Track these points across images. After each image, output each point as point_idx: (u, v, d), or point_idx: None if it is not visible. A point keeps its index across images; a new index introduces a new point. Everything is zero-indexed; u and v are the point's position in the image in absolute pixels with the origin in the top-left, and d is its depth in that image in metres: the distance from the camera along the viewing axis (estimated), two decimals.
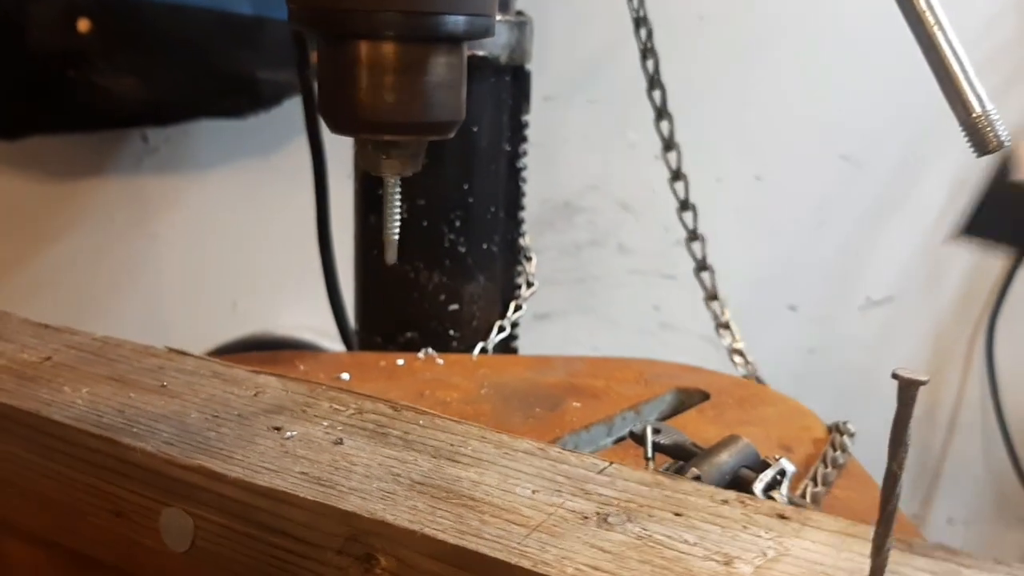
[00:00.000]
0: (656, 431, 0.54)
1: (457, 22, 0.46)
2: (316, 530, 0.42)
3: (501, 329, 0.89)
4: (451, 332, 0.87)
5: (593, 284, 1.53)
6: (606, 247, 1.51)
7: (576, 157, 1.45)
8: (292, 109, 1.25)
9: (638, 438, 0.54)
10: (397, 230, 0.52)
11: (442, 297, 0.86)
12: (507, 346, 0.94)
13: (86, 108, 1.23)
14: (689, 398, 0.74)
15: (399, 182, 0.52)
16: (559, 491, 0.43)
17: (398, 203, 0.52)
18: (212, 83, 1.28)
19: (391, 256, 0.53)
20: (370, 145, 0.50)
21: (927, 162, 1.54)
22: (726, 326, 0.90)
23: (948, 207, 1.55)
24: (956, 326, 1.63)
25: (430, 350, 0.79)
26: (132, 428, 0.49)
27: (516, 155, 0.88)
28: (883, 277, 1.59)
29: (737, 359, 0.89)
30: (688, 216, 0.89)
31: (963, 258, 1.60)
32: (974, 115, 0.46)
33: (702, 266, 0.90)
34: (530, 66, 0.89)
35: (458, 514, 0.41)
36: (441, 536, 0.39)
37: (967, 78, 0.46)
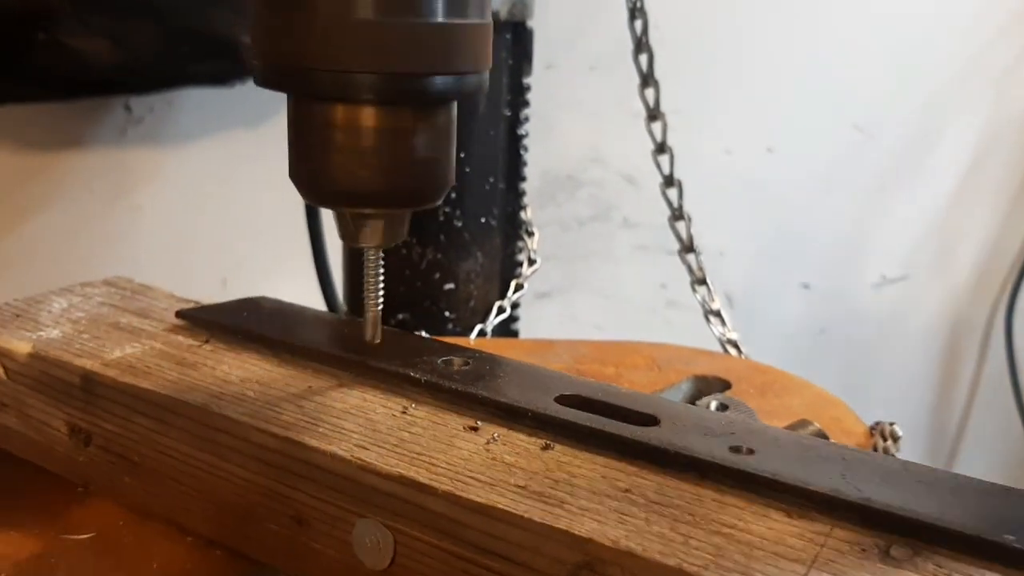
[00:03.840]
0: (723, 407, 0.47)
1: (445, 83, 0.42)
2: (542, 555, 0.36)
3: (501, 310, 0.82)
4: (446, 313, 0.81)
5: (596, 261, 1.48)
6: (610, 222, 1.47)
7: (578, 128, 1.40)
8: None
9: None
10: (380, 305, 0.48)
11: (436, 275, 0.80)
12: (507, 328, 0.88)
13: (57, 74, 1.17)
14: (708, 386, 0.68)
15: (381, 254, 0.47)
16: (816, 510, 0.37)
17: (381, 276, 0.48)
18: (192, 47, 1.22)
19: (373, 334, 0.48)
20: (348, 216, 0.45)
21: (943, 132, 1.49)
22: (716, 314, 0.83)
23: (966, 178, 1.52)
24: (974, 305, 1.60)
25: (423, 333, 0.72)
26: (317, 427, 0.43)
27: (517, 121, 0.82)
28: (898, 253, 1.55)
29: (731, 351, 0.82)
30: (673, 193, 0.82)
31: (981, 233, 1.57)
32: None
33: (688, 247, 0.83)
34: (532, 23, 0.82)
35: (715, 545, 0.35)
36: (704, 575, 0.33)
37: None
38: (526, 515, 0.36)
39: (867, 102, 1.44)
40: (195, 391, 0.46)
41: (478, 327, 0.81)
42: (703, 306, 0.81)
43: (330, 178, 0.43)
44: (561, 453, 0.41)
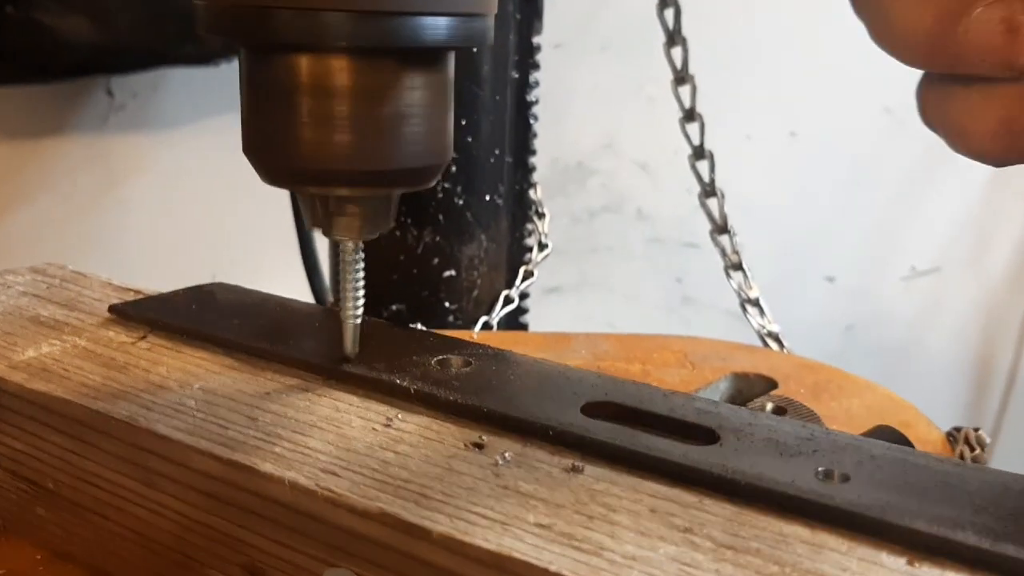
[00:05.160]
0: (780, 410, 0.38)
1: (438, 27, 0.33)
2: None
3: (508, 300, 0.73)
4: (446, 304, 0.72)
5: (607, 254, 1.42)
6: (622, 213, 1.40)
7: (589, 113, 1.33)
8: None
9: None
10: (360, 312, 0.39)
11: (435, 261, 0.71)
12: (515, 321, 0.78)
13: (30, 54, 1.10)
14: (750, 386, 0.59)
15: (361, 248, 0.38)
16: (944, 554, 0.27)
17: (361, 276, 0.38)
18: (175, 23, 1.15)
19: (351, 346, 0.39)
20: (318, 201, 0.36)
21: None
22: (755, 303, 0.74)
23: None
24: (1010, 298, 1.53)
25: (420, 326, 0.63)
26: (272, 446, 0.33)
27: (526, 85, 0.72)
28: (929, 244, 1.49)
29: (772, 345, 0.73)
30: (703, 166, 0.72)
31: (1018, 223, 1.50)
32: None
33: (721, 228, 0.73)
34: None
35: None
36: None
37: None
38: (553, 568, 0.26)
39: (899, 83, 1.36)
40: (121, 400, 0.36)
41: (482, 320, 0.72)
42: (739, 294, 0.72)
43: (292, 151, 0.34)
44: (594, 478, 0.31)
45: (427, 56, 0.34)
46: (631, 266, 1.41)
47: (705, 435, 0.33)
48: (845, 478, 0.30)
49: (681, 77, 0.70)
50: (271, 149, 0.35)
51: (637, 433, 0.33)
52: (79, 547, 0.38)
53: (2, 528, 0.41)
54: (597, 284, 1.41)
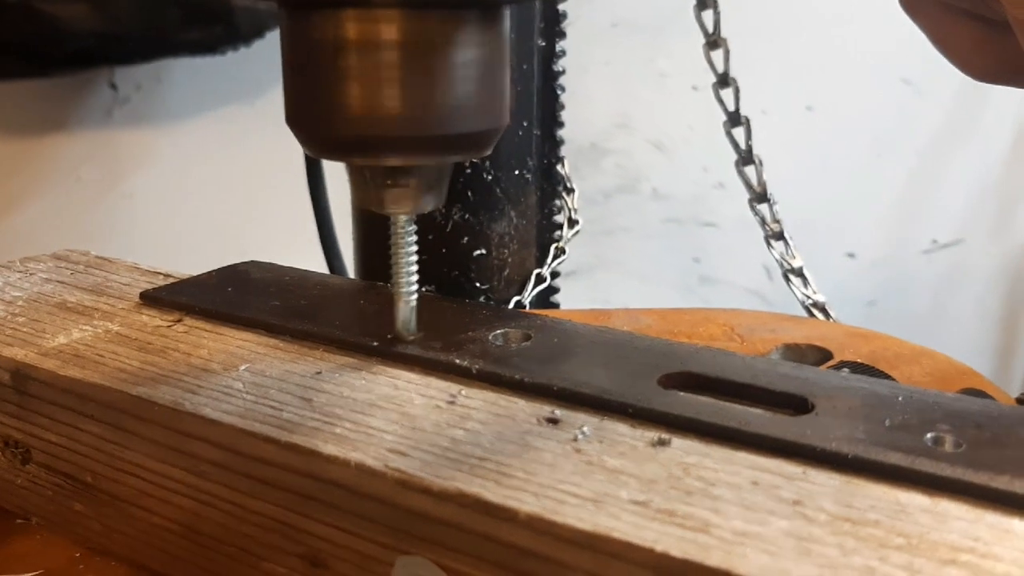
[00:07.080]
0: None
1: None
2: None
3: (540, 279, 0.70)
4: (477, 284, 0.69)
5: (623, 236, 1.40)
6: (638, 193, 1.38)
7: (601, 91, 1.31)
8: (276, 43, 1.11)
9: None
10: (415, 293, 0.36)
11: (464, 239, 0.67)
12: (546, 300, 0.75)
13: (30, 44, 1.08)
14: (803, 357, 0.56)
15: (413, 223, 0.35)
16: None
17: (414, 253, 0.36)
18: (178, 10, 1.12)
19: (406, 326, 0.36)
20: (367, 172, 0.34)
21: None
22: (798, 273, 0.71)
23: (1022, 135, 1.42)
24: None
25: None
26: (332, 427, 0.31)
27: (552, 54, 0.69)
28: (950, 216, 1.46)
29: (818, 315, 0.70)
30: (739, 133, 0.70)
31: None
32: None
33: (761, 196, 0.70)
34: None
35: None
36: None
37: None
38: (659, 548, 0.23)
39: (916, 53, 1.34)
40: (162, 385, 0.34)
41: (515, 299, 0.69)
42: (782, 264, 0.69)
43: (338, 119, 0.32)
44: (683, 451, 0.29)
45: (483, 11, 0.32)
46: (648, 247, 1.39)
47: (797, 403, 0.31)
48: (958, 444, 0.28)
49: (714, 41, 0.67)
50: (315, 117, 0.32)
51: (724, 406, 0.31)
52: (120, 543, 0.36)
53: (37, 525, 0.38)
54: (613, 266, 1.39)
